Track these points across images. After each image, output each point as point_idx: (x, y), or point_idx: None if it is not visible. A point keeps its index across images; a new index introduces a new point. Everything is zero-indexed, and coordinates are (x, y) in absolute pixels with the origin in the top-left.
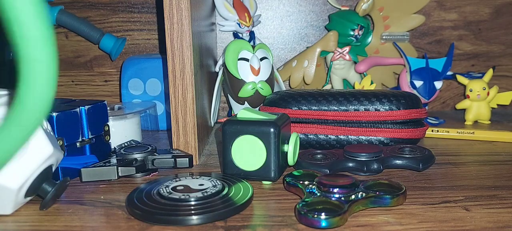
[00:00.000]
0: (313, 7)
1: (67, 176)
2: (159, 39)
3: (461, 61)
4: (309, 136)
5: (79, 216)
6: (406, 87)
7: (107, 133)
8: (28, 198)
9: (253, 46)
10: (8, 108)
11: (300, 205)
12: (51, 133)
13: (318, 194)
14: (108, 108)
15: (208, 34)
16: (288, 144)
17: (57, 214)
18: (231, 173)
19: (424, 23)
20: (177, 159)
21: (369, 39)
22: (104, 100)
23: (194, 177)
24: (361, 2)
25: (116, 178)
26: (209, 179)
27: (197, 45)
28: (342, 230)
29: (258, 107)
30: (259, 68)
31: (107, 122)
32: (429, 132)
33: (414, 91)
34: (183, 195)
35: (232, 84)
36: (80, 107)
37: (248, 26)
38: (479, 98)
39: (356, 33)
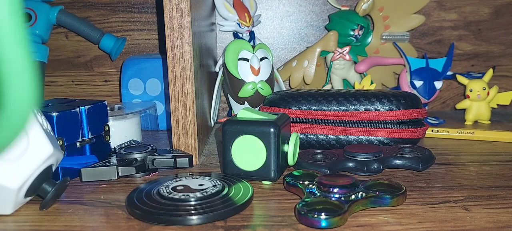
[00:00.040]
0: (313, 7)
1: (67, 176)
2: (159, 39)
3: (461, 61)
4: (309, 136)
5: (79, 216)
6: (406, 87)
7: (107, 133)
8: (28, 198)
9: (253, 46)
10: None
11: (300, 205)
12: (51, 133)
13: (318, 194)
14: (108, 108)
15: (208, 34)
16: (288, 144)
17: (57, 214)
18: (231, 173)
19: (424, 23)
20: (177, 159)
21: (369, 39)
22: (104, 100)
23: (194, 177)
24: (361, 2)
25: (116, 178)
26: (209, 179)
27: (197, 45)
28: (342, 230)
29: (258, 107)
30: (259, 68)
31: (107, 122)
32: (429, 132)
33: (414, 91)
34: (183, 195)
35: (232, 84)
36: (80, 107)
37: (248, 26)
38: (479, 99)
39: (356, 33)
